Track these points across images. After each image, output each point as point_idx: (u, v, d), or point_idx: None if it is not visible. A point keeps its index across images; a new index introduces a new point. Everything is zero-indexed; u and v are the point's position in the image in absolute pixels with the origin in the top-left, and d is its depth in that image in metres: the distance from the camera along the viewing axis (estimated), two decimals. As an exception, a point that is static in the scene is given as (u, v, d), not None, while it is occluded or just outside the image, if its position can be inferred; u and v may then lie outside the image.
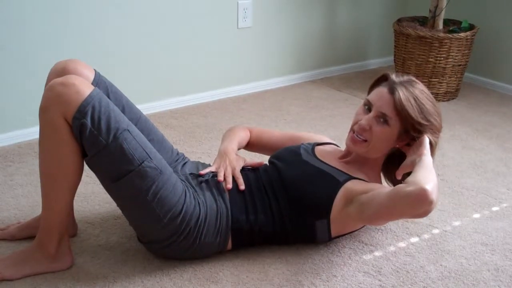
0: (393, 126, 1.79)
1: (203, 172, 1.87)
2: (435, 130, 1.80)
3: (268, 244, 1.88)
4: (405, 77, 1.84)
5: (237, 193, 1.84)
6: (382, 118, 1.79)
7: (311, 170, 1.85)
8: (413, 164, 1.70)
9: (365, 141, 1.82)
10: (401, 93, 1.77)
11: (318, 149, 1.97)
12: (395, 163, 1.85)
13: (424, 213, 1.60)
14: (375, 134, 1.80)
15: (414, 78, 1.85)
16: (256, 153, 2.23)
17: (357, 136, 1.83)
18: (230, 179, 1.85)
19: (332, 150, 1.99)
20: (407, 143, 1.83)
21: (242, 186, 1.85)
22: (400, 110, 1.77)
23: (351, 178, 1.82)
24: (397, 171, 1.78)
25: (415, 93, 1.79)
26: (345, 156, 1.92)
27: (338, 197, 1.78)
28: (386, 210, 1.64)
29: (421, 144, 1.75)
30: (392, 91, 1.79)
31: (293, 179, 1.84)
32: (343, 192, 1.78)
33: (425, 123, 1.78)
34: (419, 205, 1.56)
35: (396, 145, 1.84)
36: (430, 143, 1.77)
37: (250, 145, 2.14)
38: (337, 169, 1.85)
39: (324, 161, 1.89)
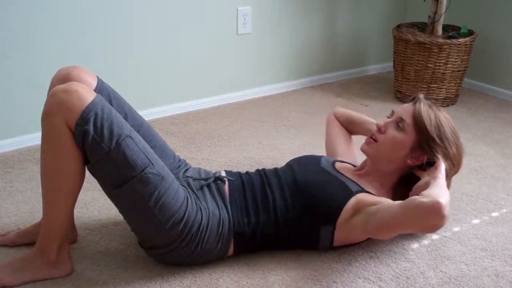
0: (408, 134, 1.84)
1: None
2: (449, 157, 1.83)
3: (270, 248, 1.88)
4: (435, 102, 1.92)
5: (239, 196, 1.85)
6: (399, 124, 1.85)
7: (327, 177, 1.89)
8: (427, 186, 1.71)
9: (376, 141, 1.88)
10: (422, 105, 1.85)
11: (338, 162, 2.02)
12: (407, 186, 1.85)
13: (435, 227, 1.62)
14: (388, 137, 1.86)
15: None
16: (255, 161, 2.23)
17: (371, 137, 1.90)
18: None
19: (350, 166, 2.04)
20: (421, 164, 1.84)
21: None
22: (416, 119, 1.83)
23: (363, 190, 1.85)
24: (411, 192, 1.79)
25: (437, 113, 1.86)
26: (360, 168, 1.98)
27: (348, 206, 1.80)
28: (397, 220, 1.66)
29: (436, 168, 1.78)
30: (415, 102, 1.88)
31: (307, 183, 1.87)
32: (354, 202, 1.80)
33: (438, 141, 1.81)
34: (431, 216, 1.57)
35: (408, 161, 1.85)
36: (446, 171, 1.79)
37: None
38: (351, 180, 1.89)
39: (341, 172, 1.94)
